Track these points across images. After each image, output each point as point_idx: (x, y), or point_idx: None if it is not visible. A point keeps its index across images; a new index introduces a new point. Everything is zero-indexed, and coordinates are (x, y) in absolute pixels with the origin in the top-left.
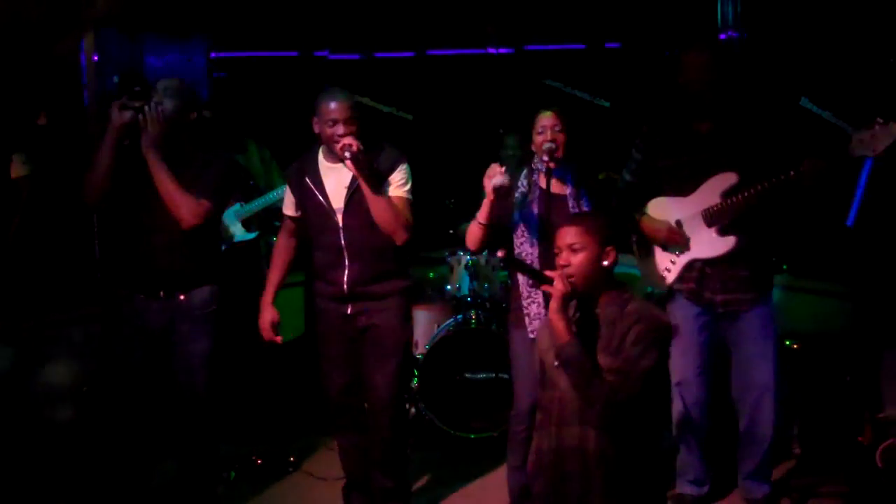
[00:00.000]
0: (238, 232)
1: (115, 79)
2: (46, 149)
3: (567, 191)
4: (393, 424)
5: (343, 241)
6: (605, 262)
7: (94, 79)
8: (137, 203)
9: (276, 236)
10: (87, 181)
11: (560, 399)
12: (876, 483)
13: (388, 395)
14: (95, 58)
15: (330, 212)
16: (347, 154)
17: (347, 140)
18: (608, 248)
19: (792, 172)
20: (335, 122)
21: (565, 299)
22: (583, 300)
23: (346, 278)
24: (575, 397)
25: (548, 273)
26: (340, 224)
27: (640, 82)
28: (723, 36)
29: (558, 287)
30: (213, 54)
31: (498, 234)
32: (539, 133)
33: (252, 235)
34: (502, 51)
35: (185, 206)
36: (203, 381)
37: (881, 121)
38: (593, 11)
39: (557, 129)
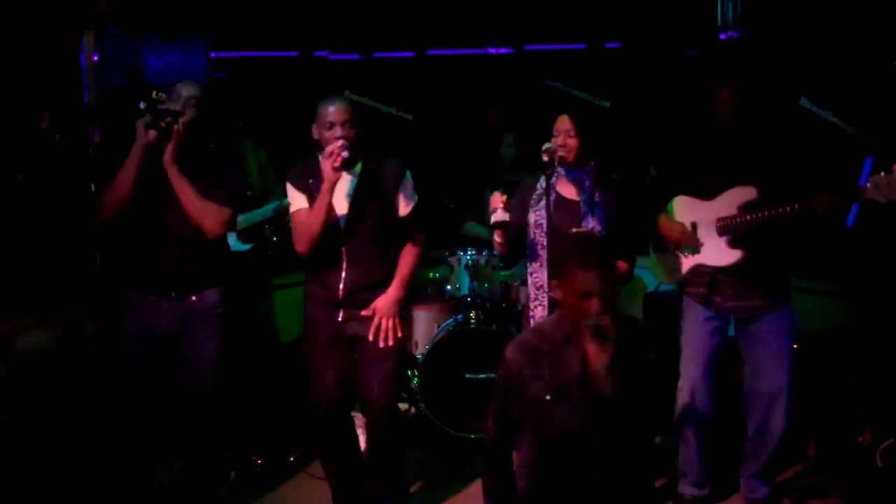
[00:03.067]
0: (232, 243)
1: (142, 105)
2: (47, 148)
3: (582, 197)
4: (390, 428)
5: (343, 247)
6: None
7: (94, 79)
8: (148, 205)
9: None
10: (107, 199)
11: (558, 435)
12: (876, 483)
13: (383, 399)
14: (95, 58)
15: (332, 217)
16: (337, 163)
17: (336, 146)
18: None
19: (805, 203)
20: (332, 126)
21: None
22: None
23: (342, 284)
24: (578, 433)
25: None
26: (342, 230)
27: (640, 82)
28: (723, 36)
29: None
30: (213, 54)
31: (519, 244)
32: (554, 136)
33: (247, 247)
34: (502, 51)
35: (210, 217)
36: (211, 382)
37: None
38: (593, 11)
39: (571, 133)
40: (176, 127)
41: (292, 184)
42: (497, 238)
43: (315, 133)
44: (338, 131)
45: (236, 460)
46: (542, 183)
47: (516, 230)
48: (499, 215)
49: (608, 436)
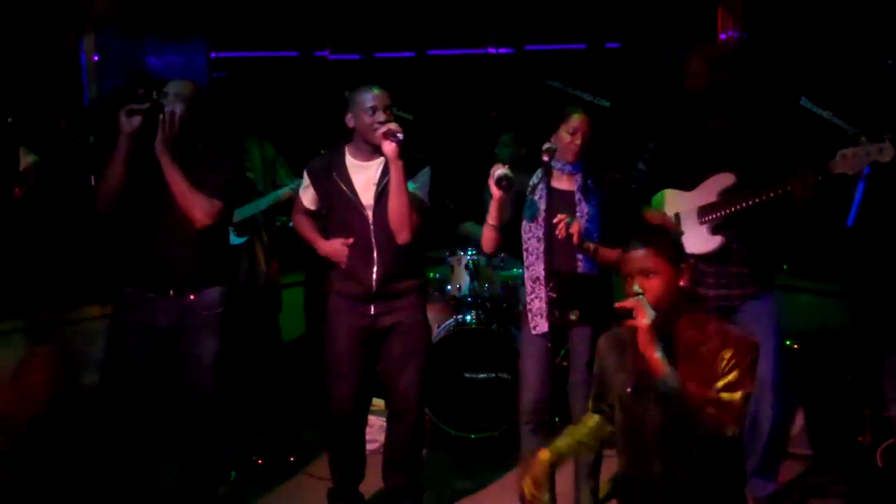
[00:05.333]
0: (230, 236)
1: (121, 81)
2: (52, 148)
3: (575, 187)
4: (416, 424)
5: (374, 238)
6: (682, 283)
7: (94, 79)
8: (148, 202)
9: (265, 237)
10: (101, 191)
11: (638, 428)
12: (876, 483)
13: (413, 394)
14: (95, 58)
15: (360, 208)
16: (396, 138)
17: (394, 125)
18: (683, 265)
19: (781, 186)
20: (375, 110)
21: (653, 330)
22: (660, 324)
23: (375, 275)
24: (657, 430)
25: (626, 304)
26: (371, 221)
27: (640, 82)
28: (723, 36)
29: (642, 320)
30: (213, 54)
31: (510, 234)
32: (571, 133)
33: (242, 240)
34: (502, 51)
35: (199, 207)
36: (210, 382)
37: (864, 140)
38: (593, 11)
39: (585, 132)
40: (162, 116)
41: (311, 177)
42: (493, 209)
43: (350, 121)
44: (381, 116)
45: (236, 460)
46: (535, 178)
47: (507, 227)
48: (501, 170)
49: (685, 433)
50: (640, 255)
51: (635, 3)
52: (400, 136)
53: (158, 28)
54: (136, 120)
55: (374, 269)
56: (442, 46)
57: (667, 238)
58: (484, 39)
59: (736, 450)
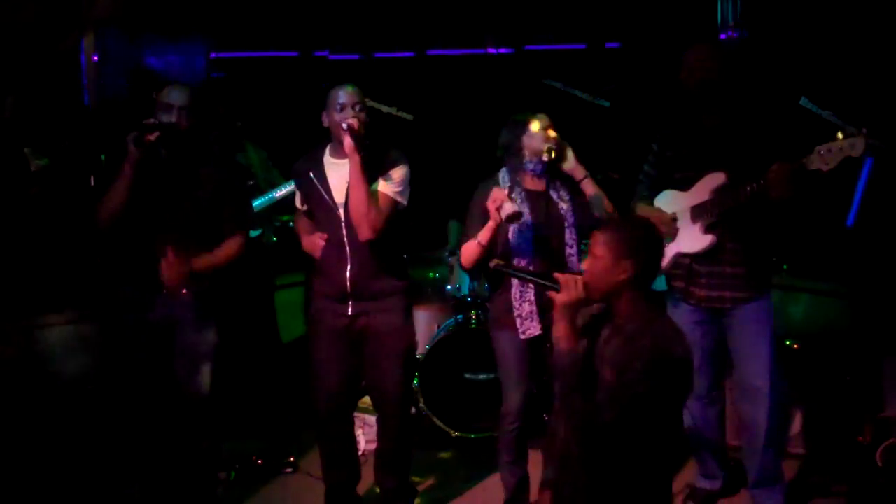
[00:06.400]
0: None
1: (121, 81)
2: (53, 148)
3: (544, 187)
4: (401, 425)
5: (345, 237)
6: (622, 277)
7: (94, 79)
8: (143, 203)
9: (274, 235)
10: (103, 209)
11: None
12: (876, 483)
13: (396, 397)
14: (95, 58)
15: (333, 206)
16: (345, 126)
17: (351, 120)
18: (624, 262)
19: (760, 181)
20: (343, 108)
21: (568, 306)
22: (603, 307)
23: (348, 274)
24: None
25: (556, 276)
26: (342, 219)
27: (640, 82)
28: (723, 36)
29: (562, 296)
30: (213, 54)
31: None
32: (545, 138)
33: (254, 234)
34: (502, 51)
35: (231, 257)
36: (205, 378)
37: (840, 136)
38: (593, 11)
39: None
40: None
41: (294, 176)
42: (487, 231)
43: (325, 120)
44: (349, 113)
45: (236, 460)
46: (503, 179)
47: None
48: (509, 208)
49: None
50: (594, 237)
51: (635, 3)
52: (344, 125)
53: (158, 28)
54: (142, 149)
55: (348, 267)
56: (442, 46)
57: (624, 232)
58: (484, 39)
59: (623, 446)
